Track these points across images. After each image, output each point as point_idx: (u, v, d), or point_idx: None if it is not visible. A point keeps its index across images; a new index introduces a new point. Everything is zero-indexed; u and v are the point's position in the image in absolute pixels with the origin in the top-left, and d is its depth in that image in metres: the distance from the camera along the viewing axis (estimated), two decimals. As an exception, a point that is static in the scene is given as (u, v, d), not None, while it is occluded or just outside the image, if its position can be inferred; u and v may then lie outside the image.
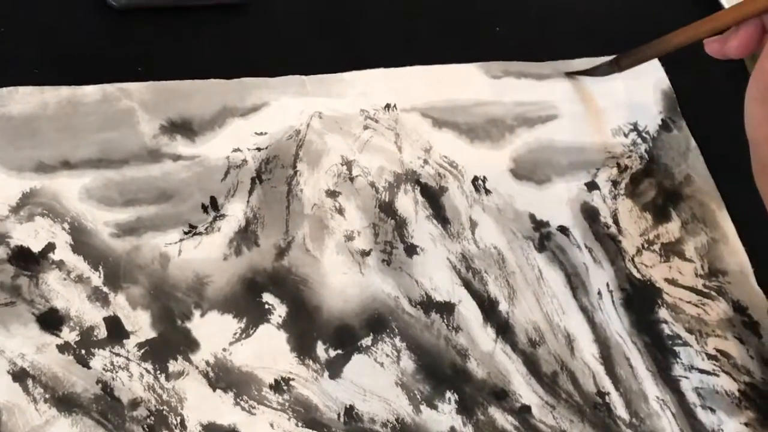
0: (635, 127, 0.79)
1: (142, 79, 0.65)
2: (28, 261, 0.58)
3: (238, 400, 0.58)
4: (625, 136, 0.78)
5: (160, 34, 0.68)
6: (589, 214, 0.74)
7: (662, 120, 0.80)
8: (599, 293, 0.71)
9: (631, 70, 0.80)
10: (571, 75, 0.78)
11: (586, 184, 0.75)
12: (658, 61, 0.83)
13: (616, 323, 0.70)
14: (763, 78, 0.58)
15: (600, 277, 0.71)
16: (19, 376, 0.55)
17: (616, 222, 0.74)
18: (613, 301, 0.71)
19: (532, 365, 0.66)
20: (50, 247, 0.58)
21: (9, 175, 0.59)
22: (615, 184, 0.76)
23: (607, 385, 0.68)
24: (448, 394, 0.63)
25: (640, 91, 0.81)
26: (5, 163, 0.59)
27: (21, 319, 0.56)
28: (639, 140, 0.78)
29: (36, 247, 0.58)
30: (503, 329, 0.67)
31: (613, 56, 0.76)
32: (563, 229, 0.72)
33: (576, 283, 0.70)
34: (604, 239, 0.73)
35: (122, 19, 0.67)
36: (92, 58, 0.65)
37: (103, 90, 0.64)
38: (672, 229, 0.76)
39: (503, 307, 0.67)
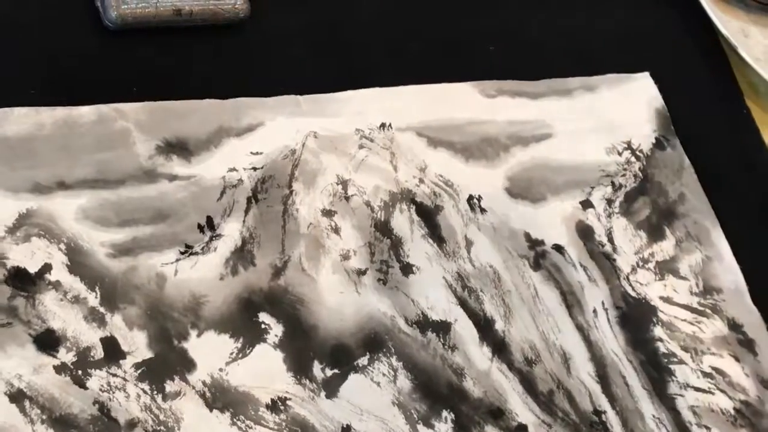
0: (629, 146, 0.79)
1: (137, 100, 0.65)
2: (24, 282, 0.57)
3: (234, 420, 0.58)
4: (619, 154, 0.78)
5: (155, 54, 0.68)
6: (584, 232, 0.74)
7: (656, 138, 0.81)
8: (594, 311, 0.71)
9: (623, 89, 0.80)
10: None
11: (580, 203, 0.75)
12: (651, 79, 0.83)
13: (612, 341, 0.70)
14: None
15: (595, 295, 0.72)
16: (16, 397, 0.54)
17: (610, 240, 0.74)
18: (608, 320, 0.71)
19: (528, 384, 0.66)
20: (47, 267, 0.58)
21: (5, 196, 0.59)
22: (609, 202, 0.76)
23: (604, 403, 0.68)
24: (445, 413, 0.63)
25: (633, 110, 0.81)
26: (1, 183, 0.59)
27: (18, 340, 0.56)
28: (633, 158, 0.79)
29: (32, 268, 0.58)
30: (499, 348, 0.67)
31: None
32: (558, 248, 0.72)
33: (571, 301, 0.71)
34: (599, 257, 0.73)
35: (117, 39, 0.68)
36: (88, 78, 0.66)
37: (98, 110, 0.64)
38: (666, 247, 0.76)
39: (499, 325, 0.68)
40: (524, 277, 0.70)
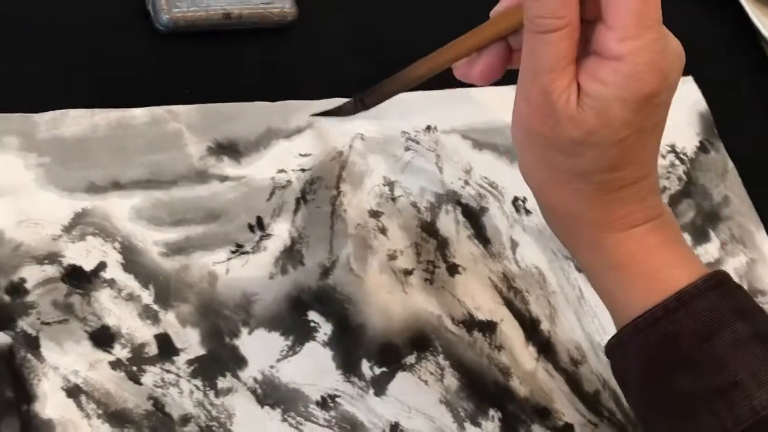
0: (673, 149, 0.79)
1: (188, 102, 0.66)
2: (80, 279, 0.59)
3: (285, 416, 0.59)
4: (663, 157, 0.78)
5: (205, 56, 0.69)
6: (629, 234, 0.74)
7: (700, 142, 0.81)
8: (639, 313, 0.71)
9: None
10: (315, 116, 0.70)
11: (624, 205, 0.75)
12: (694, 83, 0.83)
13: (657, 342, 0.70)
14: (521, 122, 0.52)
15: (640, 296, 0.72)
16: (73, 392, 0.56)
17: (655, 242, 0.74)
18: (653, 321, 0.71)
19: (574, 384, 0.67)
20: (102, 265, 0.59)
21: (61, 195, 0.60)
22: (653, 204, 0.76)
23: (649, 404, 0.68)
24: (492, 412, 0.64)
25: (677, 113, 0.80)
26: (58, 184, 0.61)
27: (74, 336, 0.57)
28: (677, 162, 0.79)
29: (88, 266, 0.59)
30: (545, 348, 0.67)
31: (357, 95, 0.69)
32: (603, 249, 0.72)
33: (616, 302, 0.71)
34: (643, 259, 0.73)
35: (169, 42, 0.69)
36: (140, 80, 0.67)
37: (151, 112, 0.65)
38: (711, 249, 0.76)
39: (545, 326, 0.68)
40: (569, 278, 0.70)
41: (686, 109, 0.82)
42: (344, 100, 0.70)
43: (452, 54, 0.59)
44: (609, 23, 0.48)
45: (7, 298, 0.57)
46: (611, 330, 0.69)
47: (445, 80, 0.74)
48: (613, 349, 0.55)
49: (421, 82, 0.65)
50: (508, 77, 0.76)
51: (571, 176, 0.52)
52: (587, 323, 0.69)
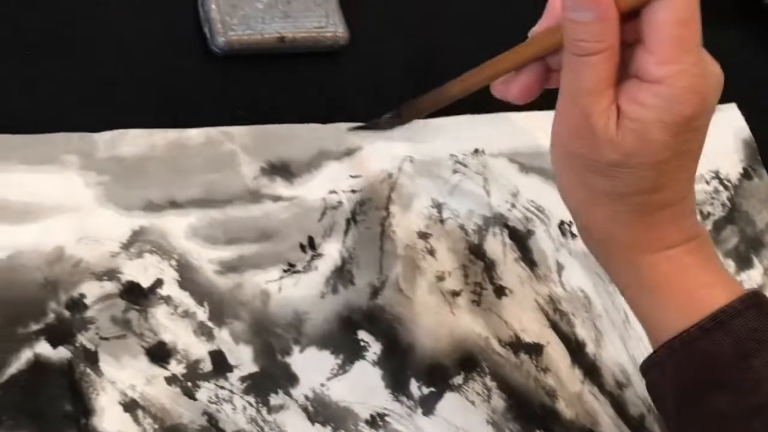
0: (717, 175, 0.80)
1: (242, 123, 0.68)
2: (138, 296, 0.60)
3: (335, 434, 0.60)
4: (707, 183, 0.79)
5: (259, 79, 0.71)
6: (673, 259, 0.75)
7: (743, 168, 0.81)
8: (684, 337, 0.72)
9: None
10: (353, 130, 0.71)
11: (669, 230, 0.76)
12: (738, 111, 0.84)
13: (701, 367, 0.71)
14: (560, 143, 0.53)
15: (684, 321, 0.72)
16: (130, 406, 0.57)
17: (699, 267, 0.75)
18: (698, 346, 0.72)
19: (619, 407, 0.67)
20: (158, 282, 0.61)
21: (120, 213, 0.62)
22: (698, 230, 0.77)
23: (693, 428, 0.68)
24: (538, 434, 0.65)
25: (720, 140, 0.82)
26: (117, 202, 0.62)
27: (131, 351, 0.58)
28: (721, 188, 0.79)
29: (145, 283, 0.60)
30: (591, 371, 0.68)
31: (395, 110, 0.70)
32: (648, 274, 0.73)
33: (661, 327, 0.71)
34: (687, 284, 0.74)
35: (224, 64, 0.70)
36: (196, 101, 0.68)
37: (207, 133, 0.66)
38: (754, 275, 0.76)
39: (590, 349, 0.69)
40: (615, 302, 0.71)
41: (730, 135, 0.83)
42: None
43: (491, 72, 0.60)
44: (649, 46, 0.49)
45: (67, 313, 0.58)
46: (656, 354, 0.70)
47: (493, 104, 0.75)
48: (648, 368, 0.56)
49: (459, 98, 0.66)
50: (554, 101, 0.78)
51: (609, 197, 0.53)
52: (632, 347, 0.70)
